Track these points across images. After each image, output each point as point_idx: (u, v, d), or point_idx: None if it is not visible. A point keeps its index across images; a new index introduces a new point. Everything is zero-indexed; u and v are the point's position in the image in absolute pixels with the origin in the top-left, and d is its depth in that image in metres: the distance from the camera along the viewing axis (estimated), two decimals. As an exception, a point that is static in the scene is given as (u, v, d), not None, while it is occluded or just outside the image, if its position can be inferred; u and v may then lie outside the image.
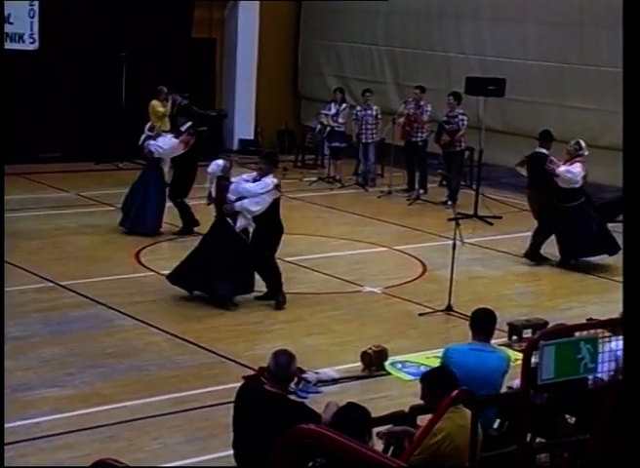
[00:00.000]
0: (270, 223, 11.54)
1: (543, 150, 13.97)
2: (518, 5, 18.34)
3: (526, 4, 18.23)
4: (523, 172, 14.47)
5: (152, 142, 14.49)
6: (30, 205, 15.45)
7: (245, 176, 11.81)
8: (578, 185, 13.66)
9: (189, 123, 15.04)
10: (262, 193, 11.30)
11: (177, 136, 14.61)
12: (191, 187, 14.86)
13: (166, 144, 14.49)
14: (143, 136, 14.69)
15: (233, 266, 11.44)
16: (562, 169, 13.59)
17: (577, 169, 13.60)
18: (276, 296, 11.60)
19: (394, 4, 20.31)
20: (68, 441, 8.00)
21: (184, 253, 13.75)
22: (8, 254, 11.86)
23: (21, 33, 18.54)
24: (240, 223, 11.44)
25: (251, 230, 11.63)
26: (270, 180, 11.41)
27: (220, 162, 11.78)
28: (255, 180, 11.47)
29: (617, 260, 14.08)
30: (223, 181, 11.55)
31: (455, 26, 19.42)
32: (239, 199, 11.33)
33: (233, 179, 11.67)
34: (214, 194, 11.65)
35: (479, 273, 13.29)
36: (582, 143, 13.83)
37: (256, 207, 11.31)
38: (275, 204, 11.53)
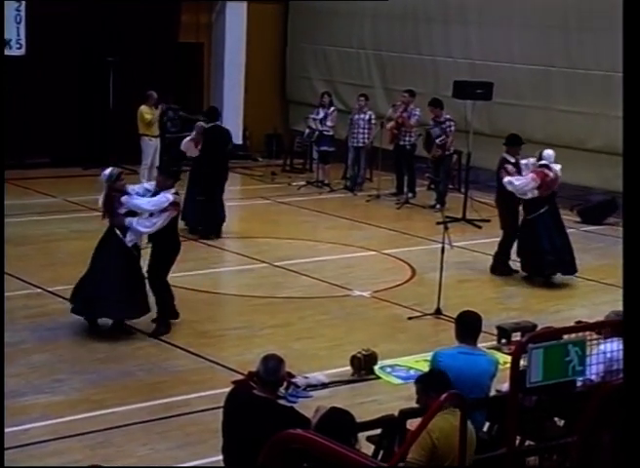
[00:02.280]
0: (165, 242, 10.68)
1: (506, 155, 13.43)
2: (505, 9, 18.39)
3: (513, 8, 18.27)
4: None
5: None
6: (18, 211, 15.40)
7: (146, 185, 10.95)
8: (527, 197, 13.02)
9: (210, 123, 15.08)
10: (154, 212, 10.31)
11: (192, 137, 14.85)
12: (223, 187, 15.11)
13: (181, 144, 14.91)
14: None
15: (124, 286, 10.44)
16: (505, 179, 13.08)
17: (522, 180, 13.00)
18: (160, 322, 10.73)
19: (381, 8, 20.34)
20: (58, 447, 7.98)
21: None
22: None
23: (8, 39, 18.54)
24: (129, 238, 10.46)
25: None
26: (166, 197, 10.33)
27: (107, 171, 10.66)
28: (154, 193, 10.51)
29: (604, 263, 14.13)
30: (113, 192, 10.46)
31: (442, 30, 19.46)
32: (131, 212, 10.41)
33: (131, 188, 10.68)
34: (100, 204, 10.69)
35: (468, 276, 13.30)
36: (546, 153, 13.20)
37: (144, 229, 10.37)
38: (173, 222, 10.63)
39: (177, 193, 10.70)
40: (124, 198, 10.40)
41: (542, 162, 13.12)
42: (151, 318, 10.77)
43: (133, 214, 10.45)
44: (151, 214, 10.39)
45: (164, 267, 10.80)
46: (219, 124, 15.52)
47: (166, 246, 10.76)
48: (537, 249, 13.14)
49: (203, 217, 14.91)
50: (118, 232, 10.47)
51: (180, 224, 13.70)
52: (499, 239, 13.82)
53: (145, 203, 10.40)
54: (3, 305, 10.24)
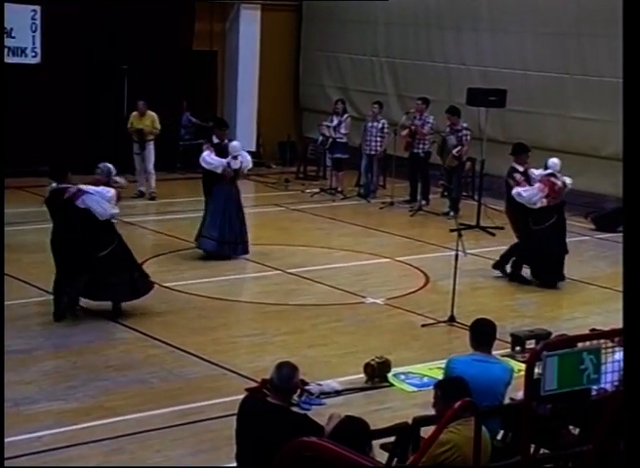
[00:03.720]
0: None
1: (514, 164, 13.44)
2: (518, 16, 18.38)
3: (526, 15, 18.26)
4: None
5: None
6: (32, 218, 15.42)
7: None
8: (537, 207, 13.06)
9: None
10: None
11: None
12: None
13: (201, 157, 14.40)
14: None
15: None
16: (514, 191, 13.12)
17: (530, 191, 13.04)
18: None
19: (394, 15, 20.38)
20: (71, 454, 7.98)
21: (187, 264, 13.83)
22: (10, 268, 11.90)
23: (24, 47, 18.64)
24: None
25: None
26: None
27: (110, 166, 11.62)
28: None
29: (618, 270, 14.07)
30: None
31: (455, 37, 19.47)
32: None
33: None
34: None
35: (482, 284, 13.28)
36: (551, 162, 13.26)
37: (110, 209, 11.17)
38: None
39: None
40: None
41: (548, 171, 13.15)
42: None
43: None
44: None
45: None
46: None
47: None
48: (548, 258, 13.21)
49: (235, 233, 14.30)
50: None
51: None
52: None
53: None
54: (3, 306, 10.22)
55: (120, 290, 11.32)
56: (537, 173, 13.33)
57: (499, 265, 13.66)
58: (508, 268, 13.57)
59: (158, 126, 18.07)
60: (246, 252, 14.22)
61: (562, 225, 13.50)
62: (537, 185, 13.06)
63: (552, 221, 13.21)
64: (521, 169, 13.35)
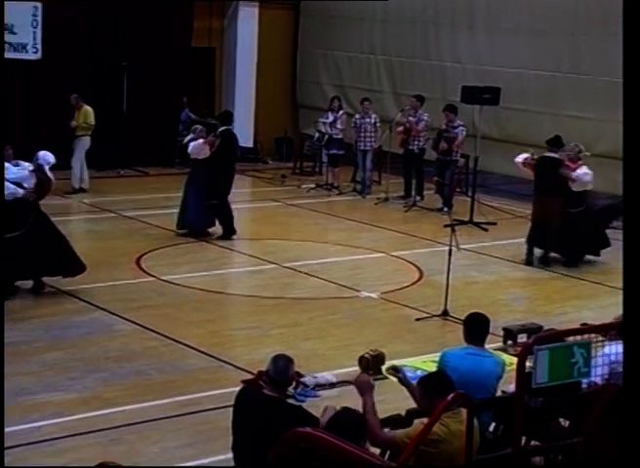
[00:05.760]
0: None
1: (555, 155, 14.13)
2: (512, 15, 18.38)
3: (520, 14, 18.27)
4: (527, 171, 14.58)
5: (190, 144, 14.89)
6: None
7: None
8: (588, 188, 14.18)
9: (222, 128, 15.11)
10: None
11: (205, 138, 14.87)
12: (228, 191, 15.02)
13: (191, 146, 14.83)
14: (188, 138, 15.06)
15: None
16: (580, 172, 13.98)
17: (589, 170, 14.06)
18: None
19: (391, 13, 20.38)
20: (70, 444, 7.99)
21: (185, 258, 13.84)
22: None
23: (25, 43, 18.58)
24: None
25: None
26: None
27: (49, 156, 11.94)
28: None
29: (610, 266, 14.10)
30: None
31: (450, 36, 19.48)
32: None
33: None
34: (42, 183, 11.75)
35: (475, 278, 13.31)
36: (582, 146, 14.21)
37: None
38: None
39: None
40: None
41: (581, 154, 14.16)
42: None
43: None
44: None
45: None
46: (231, 128, 15.48)
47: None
48: (581, 237, 14.12)
49: (221, 219, 14.93)
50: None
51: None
52: (507, 241, 13.96)
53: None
54: (3, 307, 10.21)
55: (39, 266, 11.59)
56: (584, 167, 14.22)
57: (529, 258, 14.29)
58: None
59: (91, 121, 17.71)
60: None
61: (590, 209, 14.51)
62: (585, 169, 14.03)
63: (585, 206, 14.26)
64: (565, 158, 14.17)
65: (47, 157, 11.78)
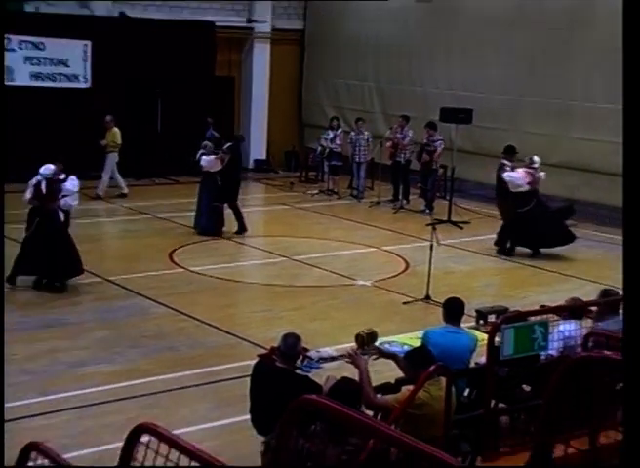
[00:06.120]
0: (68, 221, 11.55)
1: (504, 161, 14.23)
2: (482, 48, 18.35)
3: (488, 47, 18.23)
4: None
5: (202, 158, 14.69)
6: (83, 214, 15.45)
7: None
8: (522, 189, 13.87)
9: (228, 144, 15.12)
10: (76, 191, 11.32)
11: (217, 155, 14.78)
12: (236, 196, 14.97)
13: (205, 161, 14.69)
14: (199, 153, 14.86)
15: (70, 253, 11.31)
16: (506, 173, 13.98)
17: (517, 174, 13.93)
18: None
19: (381, 47, 20.35)
20: (115, 407, 8.02)
21: (209, 252, 13.85)
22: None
23: (77, 74, 18.68)
24: (66, 204, 11.37)
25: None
26: (76, 182, 11.40)
27: (51, 166, 11.29)
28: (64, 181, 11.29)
29: (565, 258, 14.09)
30: (53, 183, 11.22)
31: (430, 66, 19.45)
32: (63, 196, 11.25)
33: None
34: (44, 192, 11.21)
35: (452, 269, 13.29)
36: (535, 158, 14.09)
37: (75, 202, 11.39)
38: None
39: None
40: (66, 185, 11.21)
41: (532, 165, 13.96)
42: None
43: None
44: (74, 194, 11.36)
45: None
46: (236, 144, 15.53)
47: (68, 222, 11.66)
48: (535, 233, 13.88)
49: (236, 218, 14.87)
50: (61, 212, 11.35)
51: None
52: (479, 237, 13.97)
53: (71, 185, 11.24)
54: (3, 304, 10.13)
55: (39, 267, 11.27)
56: (520, 169, 14.16)
57: (500, 247, 14.25)
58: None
59: (118, 141, 17.47)
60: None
61: (542, 205, 14.19)
62: (521, 172, 13.91)
63: (532, 205, 13.91)
64: (510, 164, 14.14)
65: (45, 170, 11.30)
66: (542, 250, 14.20)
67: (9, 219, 12.25)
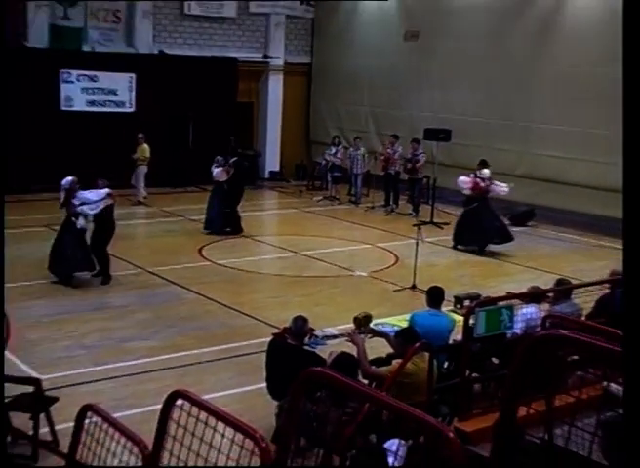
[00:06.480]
0: (105, 224, 10.98)
1: (478, 172, 14.25)
2: (459, 78, 18.32)
3: (464, 78, 18.20)
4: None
5: (214, 170, 14.68)
6: (129, 217, 15.49)
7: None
8: (465, 192, 14.15)
9: (233, 159, 15.11)
10: (97, 200, 10.77)
11: (224, 167, 14.71)
12: (240, 201, 14.89)
13: (215, 172, 14.66)
14: (213, 166, 14.83)
15: (77, 252, 10.89)
16: (459, 178, 14.27)
17: (464, 178, 14.10)
18: (105, 276, 11.16)
19: (375, 79, 20.32)
20: (155, 376, 8.05)
21: (232, 248, 13.86)
22: (114, 251, 11.88)
23: (123, 101, 18.80)
24: (80, 224, 10.84)
25: (90, 228, 11.08)
26: (104, 191, 10.89)
27: (70, 178, 11.01)
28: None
29: (526, 252, 14.05)
30: (71, 192, 10.88)
31: (416, 93, 19.40)
32: (82, 204, 10.84)
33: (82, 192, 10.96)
34: (62, 200, 11.01)
35: (434, 262, 13.27)
36: (485, 171, 14.13)
37: (91, 211, 10.79)
38: (109, 208, 10.98)
39: (110, 188, 11.05)
40: (79, 193, 10.81)
41: (481, 175, 14.10)
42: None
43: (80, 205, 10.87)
44: (94, 202, 10.87)
45: (103, 240, 11.06)
46: (240, 160, 15.44)
47: (104, 225, 10.99)
48: (477, 228, 13.91)
49: (232, 222, 14.72)
50: (74, 219, 10.84)
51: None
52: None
53: (92, 195, 10.86)
54: (3, 303, 10.20)
55: (69, 264, 10.93)
56: (471, 176, 14.27)
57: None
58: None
59: (147, 155, 17.29)
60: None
61: (485, 208, 14.13)
62: (469, 179, 14.08)
63: (473, 206, 14.01)
64: (481, 174, 14.20)
65: (64, 182, 11.06)
66: (498, 248, 14.04)
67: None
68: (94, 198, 10.86)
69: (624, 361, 2.65)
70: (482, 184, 13.99)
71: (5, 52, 16.36)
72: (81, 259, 10.93)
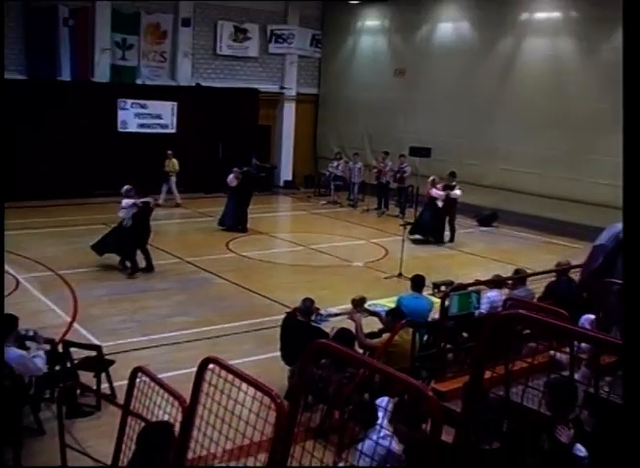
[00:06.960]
0: (137, 226, 10.92)
1: (448, 182, 14.48)
2: (438, 106, 18.28)
3: (442, 106, 18.17)
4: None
5: (229, 177, 14.73)
6: (168, 217, 15.47)
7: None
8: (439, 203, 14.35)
9: (244, 169, 15.11)
10: (125, 207, 10.85)
11: (234, 174, 14.75)
12: (249, 204, 14.83)
13: (229, 178, 14.68)
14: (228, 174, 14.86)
15: (113, 240, 10.99)
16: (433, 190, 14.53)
17: (434, 190, 14.40)
18: (148, 266, 11.08)
19: (370, 108, 20.29)
20: (190, 345, 8.07)
21: (252, 243, 13.86)
22: (158, 244, 11.85)
23: (167, 124, 18.89)
24: (125, 222, 10.92)
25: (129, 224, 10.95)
26: (129, 201, 10.90)
27: (126, 186, 11.14)
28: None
29: (490, 248, 14.01)
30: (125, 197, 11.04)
31: (403, 118, 19.36)
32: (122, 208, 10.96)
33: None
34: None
35: (418, 255, 13.23)
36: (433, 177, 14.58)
37: (121, 213, 10.93)
38: (144, 213, 10.98)
39: (135, 199, 10.92)
40: (122, 200, 10.96)
41: (436, 185, 14.56)
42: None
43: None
44: (122, 209, 10.95)
45: (135, 237, 10.92)
46: (251, 170, 15.52)
47: (136, 227, 10.91)
48: (428, 225, 14.31)
49: (241, 220, 14.62)
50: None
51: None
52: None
53: (124, 203, 10.89)
54: (3, 301, 10.23)
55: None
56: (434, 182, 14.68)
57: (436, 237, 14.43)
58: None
59: (177, 168, 17.23)
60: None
61: (432, 208, 14.40)
62: (434, 190, 14.43)
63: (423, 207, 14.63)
64: (441, 184, 14.42)
65: (125, 190, 11.21)
66: (469, 245, 14.12)
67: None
68: (123, 205, 11.04)
69: (625, 360, 2.44)
70: (432, 192, 14.34)
71: (69, 85, 16.43)
72: (111, 244, 11.03)
